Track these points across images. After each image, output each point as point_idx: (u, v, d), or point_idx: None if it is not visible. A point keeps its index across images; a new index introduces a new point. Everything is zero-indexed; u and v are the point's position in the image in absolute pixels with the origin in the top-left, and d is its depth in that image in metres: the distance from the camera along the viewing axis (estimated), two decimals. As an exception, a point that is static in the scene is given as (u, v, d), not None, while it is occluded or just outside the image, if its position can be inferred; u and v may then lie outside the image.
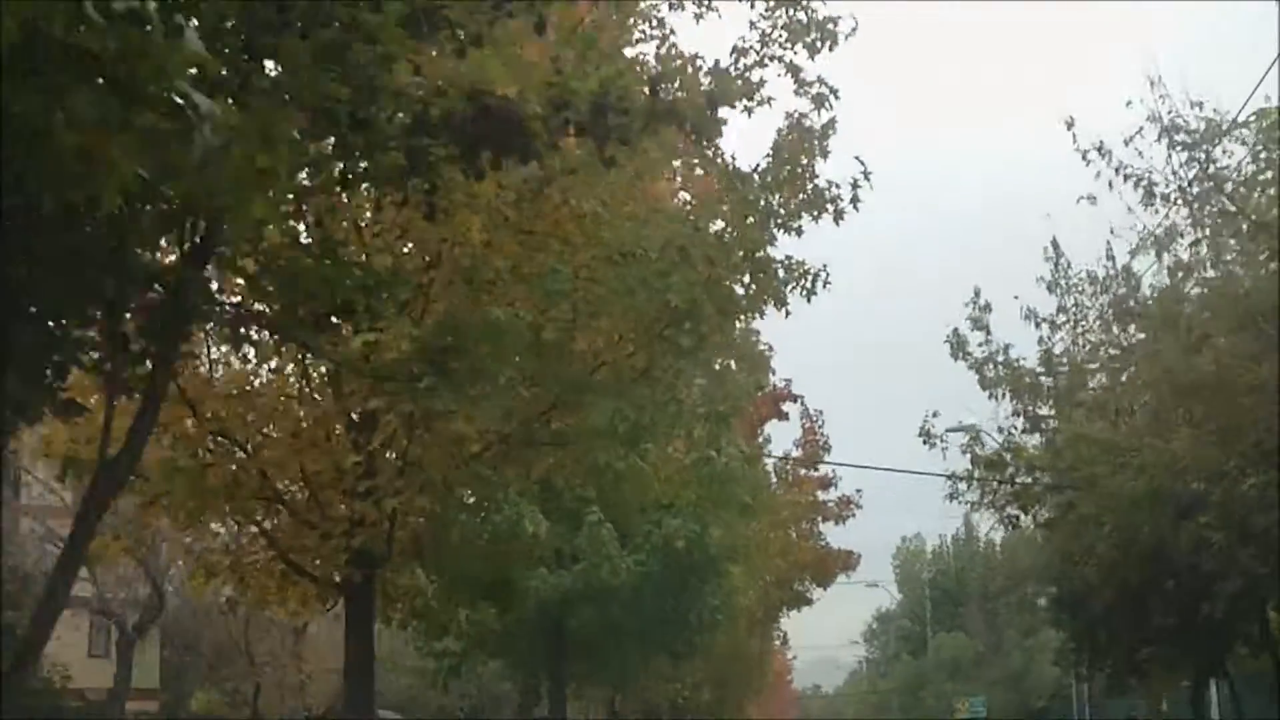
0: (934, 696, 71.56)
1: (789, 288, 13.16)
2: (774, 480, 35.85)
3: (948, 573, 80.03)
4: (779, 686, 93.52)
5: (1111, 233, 21.14)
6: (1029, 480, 26.48)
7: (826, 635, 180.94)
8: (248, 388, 13.14)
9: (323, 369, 12.93)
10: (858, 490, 37.76)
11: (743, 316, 13.49)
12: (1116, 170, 19.40)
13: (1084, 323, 25.75)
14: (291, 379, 13.50)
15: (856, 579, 42.49)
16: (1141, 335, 24.24)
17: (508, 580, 21.73)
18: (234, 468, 12.89)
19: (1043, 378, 24.98)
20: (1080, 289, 25.38)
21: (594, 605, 22.23)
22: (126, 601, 38.28)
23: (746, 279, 13.10)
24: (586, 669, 23.98)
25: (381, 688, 54.58)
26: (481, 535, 17.00)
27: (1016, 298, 25.31)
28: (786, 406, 36.56)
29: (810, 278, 13.21)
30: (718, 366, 15.08)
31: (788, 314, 13.23)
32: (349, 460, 12.56)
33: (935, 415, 25.82)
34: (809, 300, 13.23)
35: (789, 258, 13.19)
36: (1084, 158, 19.61)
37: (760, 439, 36.28)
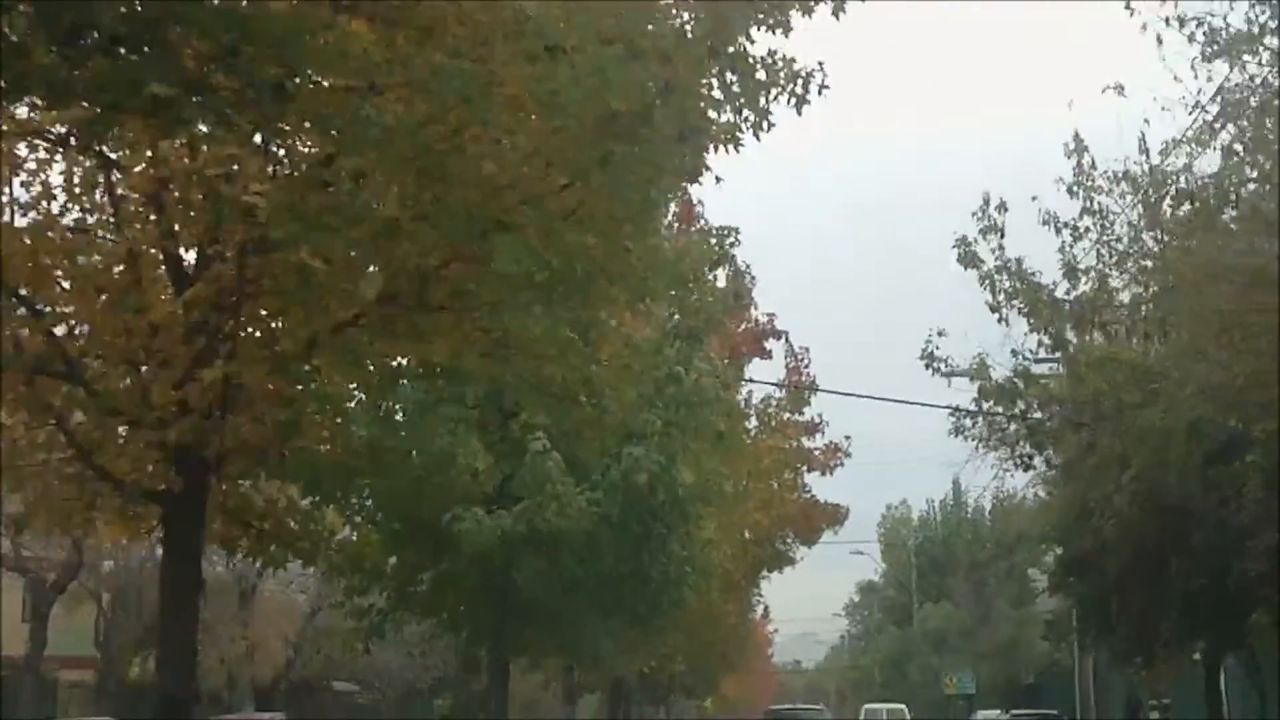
0: (919, 670, 68.66)
1: (773, 94, 9.60)
2: (754, 424, 32.37)
3: (935, 540, 76.99)
4: (759, 661, 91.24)
5: (1160, 106, 17.47)
6: (1044, 417, 23.03)
7: (807, 608, 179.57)
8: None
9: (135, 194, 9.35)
10: (846, 437, 34.30)
11: (714, 148, 9.86)
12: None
13: (1110, 231, 22.32)
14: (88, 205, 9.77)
15: (842, 539, 39.08)
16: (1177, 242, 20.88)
17: (439, 523, 18.26)
18: (24, 332, 9.34)
19: (1063, 295, 21.55)
20: (1107, 190, 21.96)
21: (540, 555, 18.78)
22: (45, 558, 35.25)
23: (715, 85, 9.58)
24: (536, 634, 20.44)
25: (336, 655, 51.66)
26: (356, 437, 13.34)
27: (1035, 199, 21.84)
28: (770, 344, 33.12)
29: (801, 81, 9.65)
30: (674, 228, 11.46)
31: (769, 126, 9.62)
32: (169, 315, 8.99)
33: (941, 335, 22.33)
34: (799, 112, 9.67)
35: (772, 53, 9.63)
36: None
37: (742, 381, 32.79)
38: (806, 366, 33.80)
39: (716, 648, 37.78)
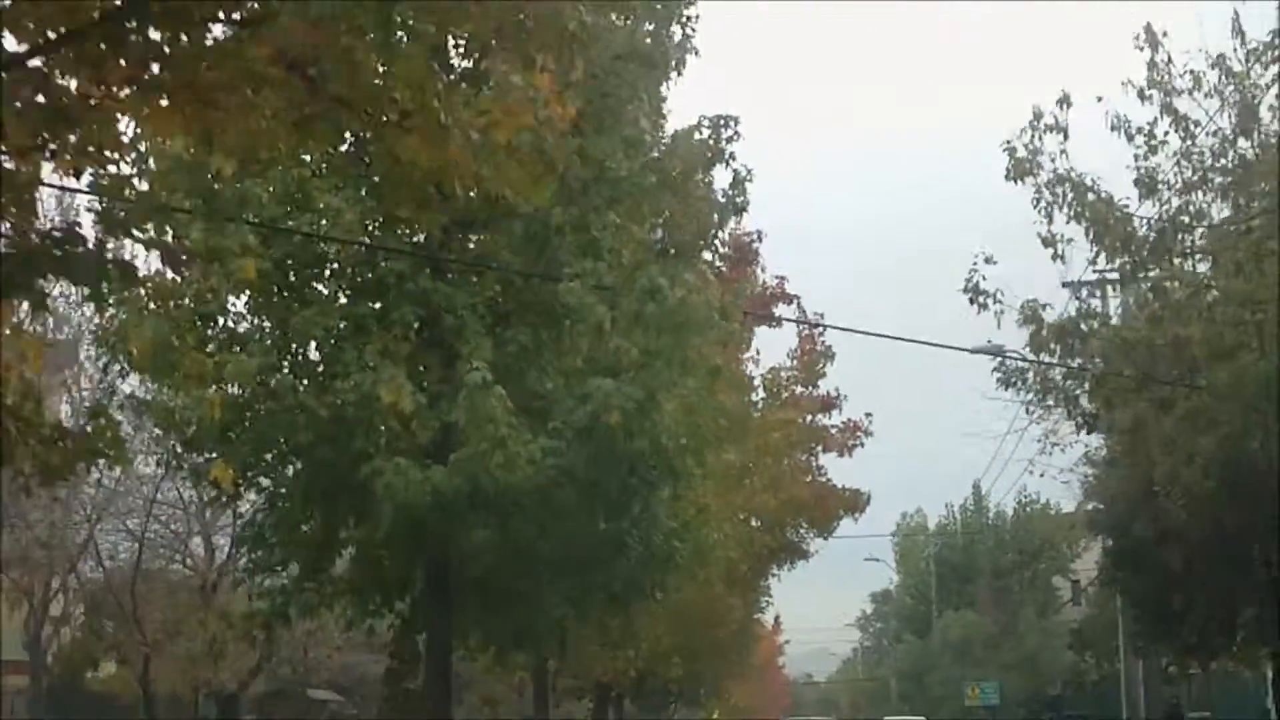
0: (940, 682, 64.86)
1: None
2: (761, 396, 28.43)
3: (954, 545, 73.06)
4: (769, 671, 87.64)
5: None
6: (1111, 367, 18.95)
7: (820, 620, 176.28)
8: None
9: None
10: (867, 414, 30.24)
11: None
12: None
13: (1193, 140, 18.39)
14: None
15: (859, 533, 34.99)
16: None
17: (358, 477, 14.34)
18: None
19: (1137, 213, 17.58)
20: (1189, 90, 18.03)
21: (486, 519, 14.80)
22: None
23: None
24: (484, 619, 16.43)
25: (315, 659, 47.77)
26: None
27: (1100, 99, 17.86)
28: (780, 310, 29.17)
29: None
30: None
31: None
32: None
33: (989, 261, 18.29)
34: None
35: None
36: None
37: (745, 349, 28.82)
38: (821, 334, 29.85)
39: (719, 649, 33.51)
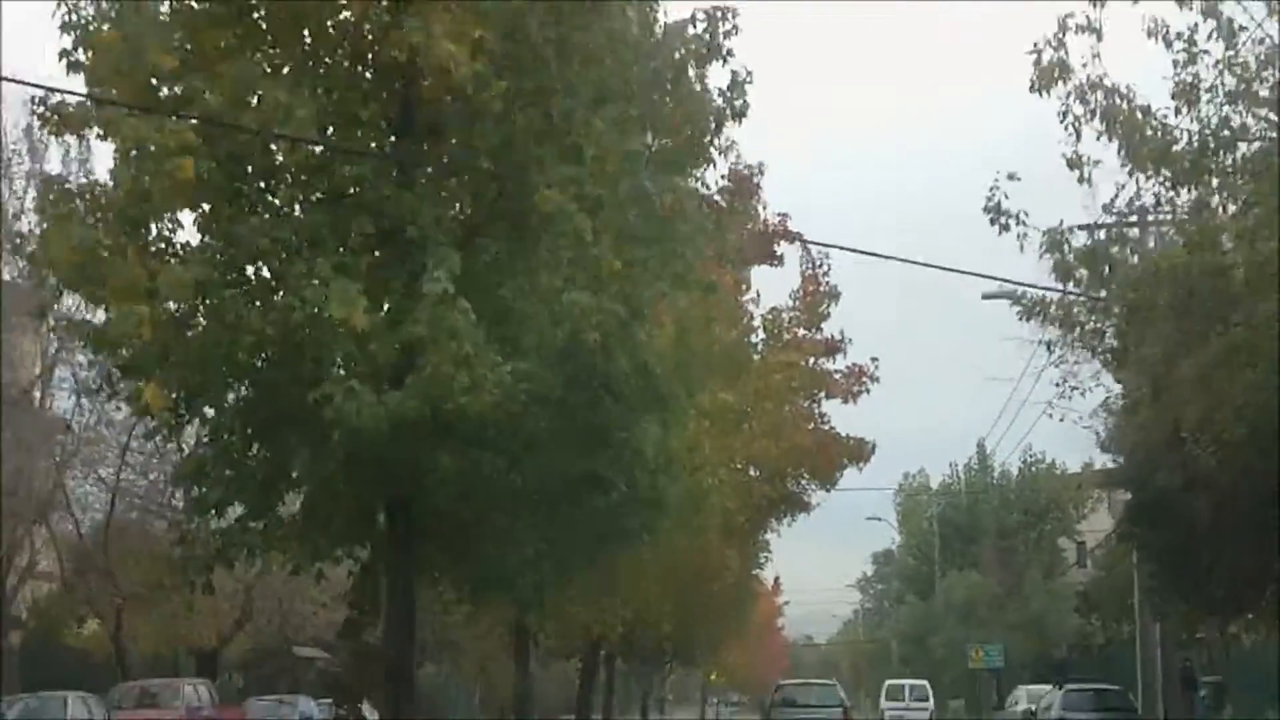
0: (943, 644, 63.62)
1: None
2: (761, 338, 26.84)
3: (958, 505, 71.53)
4: (768, 632, 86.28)
5: None
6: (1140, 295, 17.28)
7: (819, 581, 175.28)
8: None
9: None
10: (873, 359, 28.60)
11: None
12: None
13: (1236, 51, 16.67)
14: None
15: (862, 485, 33.39)
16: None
17: (308, 404, 12.76)
18: None
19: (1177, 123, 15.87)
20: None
21: (451, 450, 13.23)
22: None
23: None
24: (458, 565, 14.87)
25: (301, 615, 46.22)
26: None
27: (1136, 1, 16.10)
28: (781, 248, 27.47)
29: None
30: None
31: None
32: None
33: (1012, 178, 16.58)
34: None
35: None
36: None
37: (745, 290, 27.22)
38: (825, 275, 28.18)
39: (714, 606, 31.88)
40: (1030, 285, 17.03)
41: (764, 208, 27.59)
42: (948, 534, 70.46)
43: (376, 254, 13.87)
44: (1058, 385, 22.63)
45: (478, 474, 13.54)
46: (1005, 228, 16.40)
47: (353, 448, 12.75)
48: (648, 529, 15.82)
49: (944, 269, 16.67)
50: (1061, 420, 21.24)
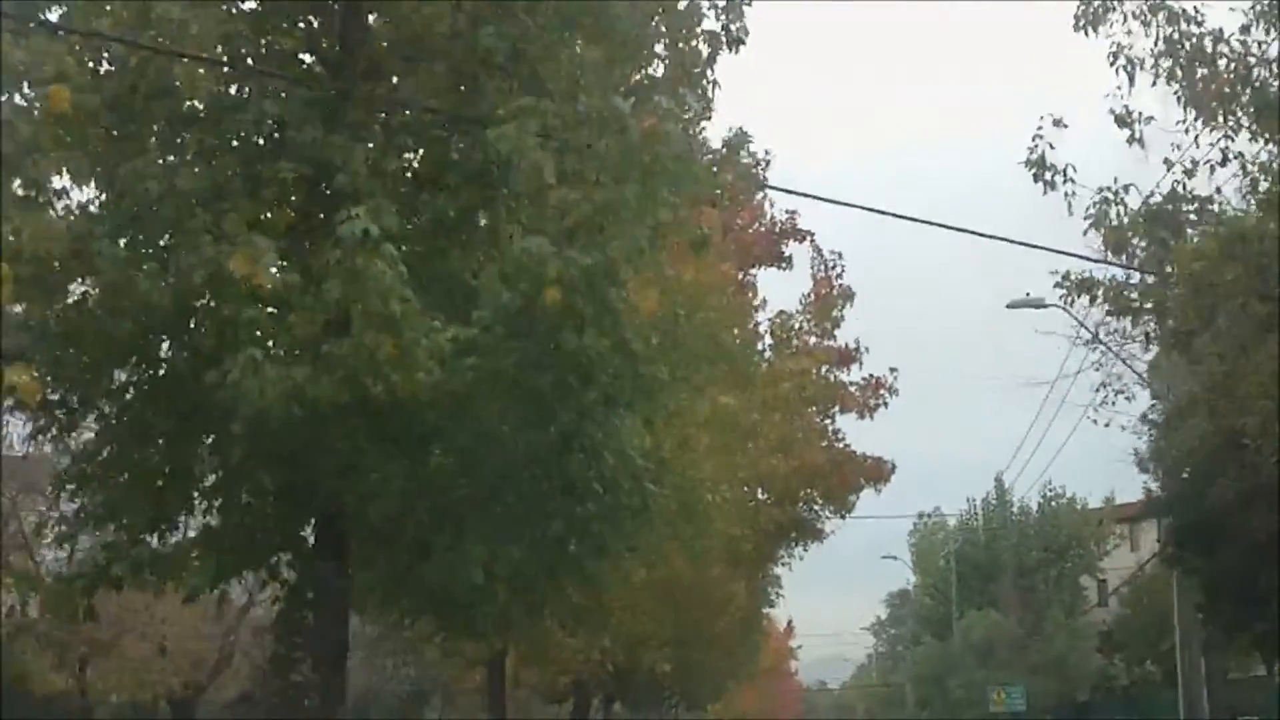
0: (963, 686, 60.89)
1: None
2: (769, 343, 24.34)
3: (976, 542, 68.93)
4: (780, 675, 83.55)
5: None
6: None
7: (833, 624, 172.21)
8: None
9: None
10: (891, 370, 26.04)
11: None
12: None
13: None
14: None
15: (879, 514, 30.65)
16: None
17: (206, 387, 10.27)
18: None
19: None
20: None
21: (384, 445, 10.73)
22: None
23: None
24: (401, 588, 12.30)
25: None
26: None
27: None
28: (790, 248, 25.06)
29: None
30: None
31: None
32: None
33: (1059, 124, 14.10)
34: None
35: None
36: None
37: (751, 293, 24.71)
38: (839, 277, 25.70)
39: (719, 642, 28.95)
40: (1090, 266, 14.57)
41: (771, 205, 25.29)
42: (965, 572, 67.93)
43: (301, 208, 11.45)
44: (1100, 389, 20.14)
45: (420, 476, 11.05)
46: (1050, 185, 13.92)
47: (262, 440, 10.24)
48: (631, 546, 13.23)
49: (959, 230, 14.11)
50: (1106, 425, 18.73)
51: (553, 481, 11.59)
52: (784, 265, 25.12)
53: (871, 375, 25.92)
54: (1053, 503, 62.96)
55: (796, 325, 25.22)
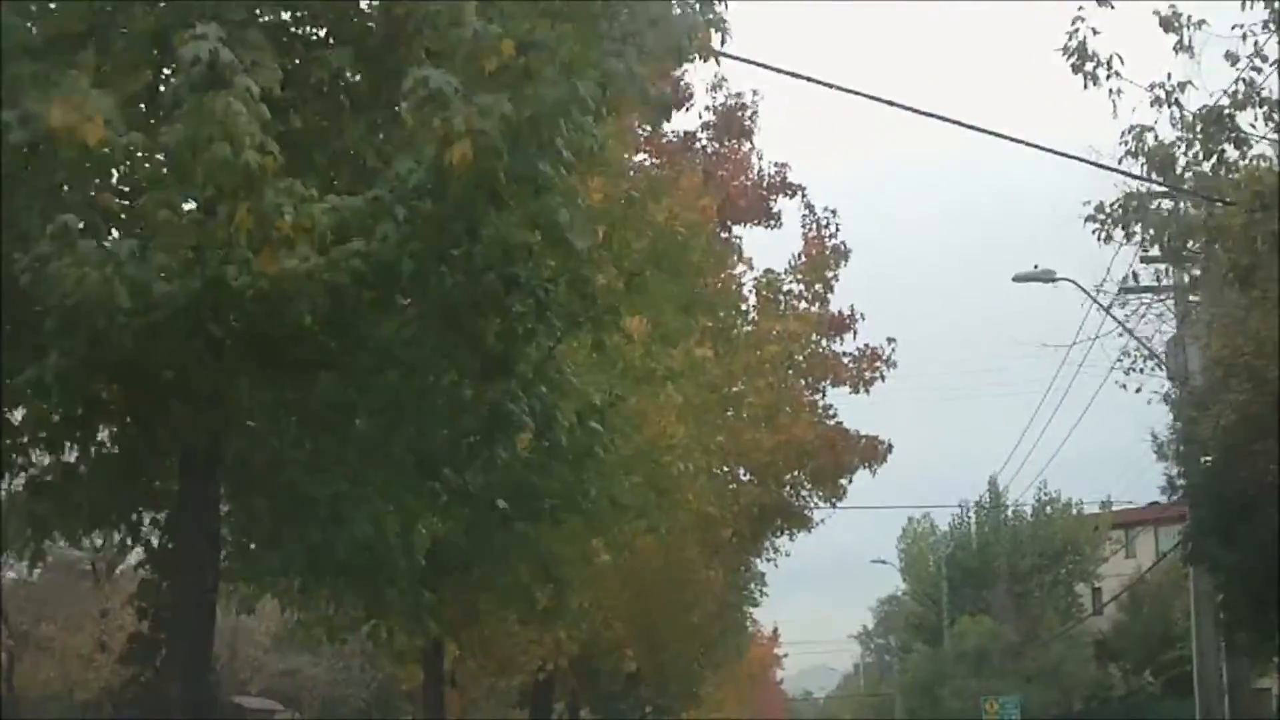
0: (955, 695, 58.78)
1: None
2: (753, 303, 21.93)
3: (968, 547, 66.81)
4: (765, 684, 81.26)
5: None
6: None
7: (821, 633, 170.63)
8: None
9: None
10: (889, 340, 23.59)
11: None
12: None
13: None
14: None
15: (872, 504, 28.22)
16: None
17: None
18: None
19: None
20: None
21: (247, 360, 8.28)
22: None
23: None
24: (276, 551, 9.75)
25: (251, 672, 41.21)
26: None
27: None
28: (779, 204, 22.70)
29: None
30: None
31: None
32: None
33: (1103, 3, 11.73)
34: None
35: None
36: None
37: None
38: (833, 236, 23.26)
39: (695, 637, 26.06)
40: (1113, 170, 12.17)
41: (759, 157, 22.94)
42: (956, 577, 65.86)
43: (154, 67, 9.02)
44: (1122, 358, 17.83)
45: (297, 406, 8.62)
46: (1092, 79, 11.54)
47: (76, 343, 7.81)
48: (571, 504, 10.76)
49: (958, 124, 11.70)
50: (1138, 391, 16.37)
51: (469, 415, 9.13)
52: (772, 223, 22.75)
53: (866, 345, 23.51)
54: (1048, 507, 60.85)
55: (785, 287, 22.79)
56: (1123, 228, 13.26)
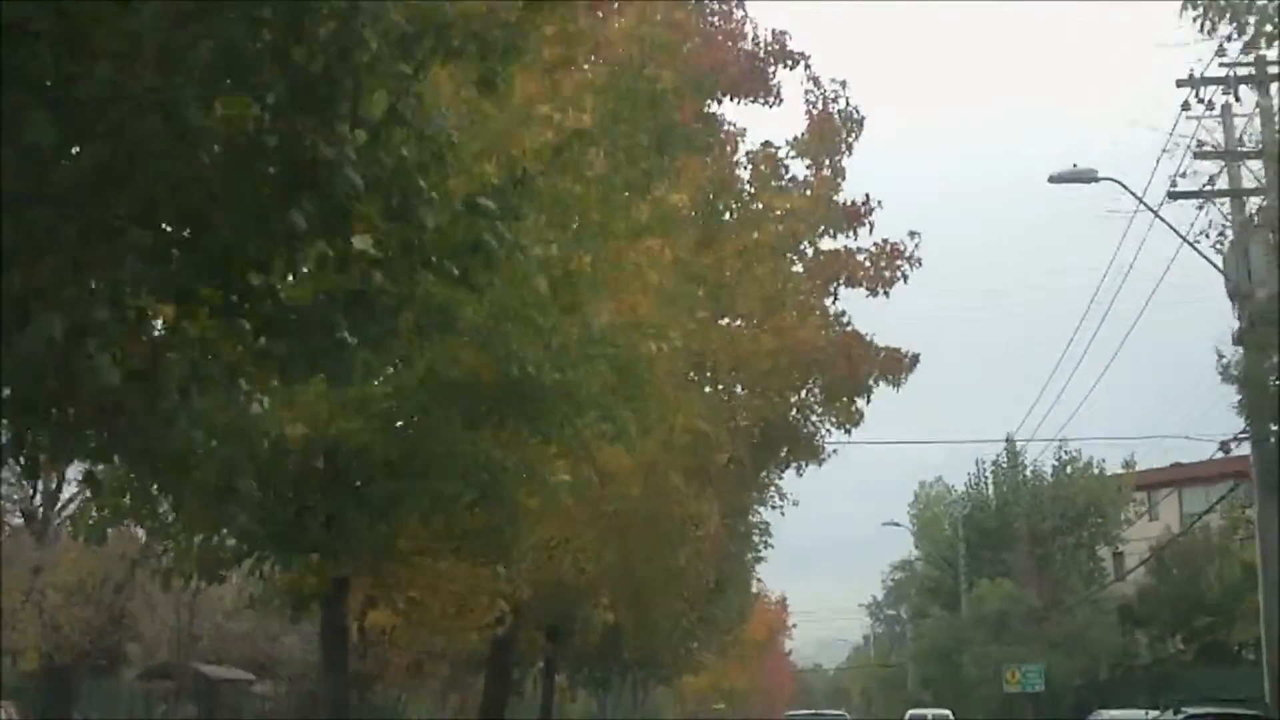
0: (974, 662, 55.81)
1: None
2: (748, 176, 18.24)
3: (986, 507, 63.81)
4: (772, 654, 78.29)
5: None
6: None
7: (831, 602, 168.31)
8: None
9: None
10: (912, 233, 19.75)
11: None
12: None
13: None
14: None
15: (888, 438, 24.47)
16: None
17: None
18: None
19: None
20: None
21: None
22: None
23: None
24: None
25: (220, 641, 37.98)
26: None
27: None
28: (778, 75, 19.00)
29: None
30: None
31: None
32: None
33: None
34: None
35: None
36: None
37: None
38: (844, 108, 19.39)
39: (682, 586, 21.41)
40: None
41: (753, 24, 19.22)
42: (973, 539, 62.94)
43: None
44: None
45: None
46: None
47: None
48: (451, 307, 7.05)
49: None
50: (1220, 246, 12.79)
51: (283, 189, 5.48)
52: (770, 100, 18.90)
53: (885, 240, 19.61)
54: (1068, 467, 57.70)
55: (787, 168, 18.89)
56: (1230, 18, 9.70)
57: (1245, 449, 24.32)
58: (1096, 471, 57.20)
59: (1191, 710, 21.73)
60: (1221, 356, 23.18)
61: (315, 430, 10.81)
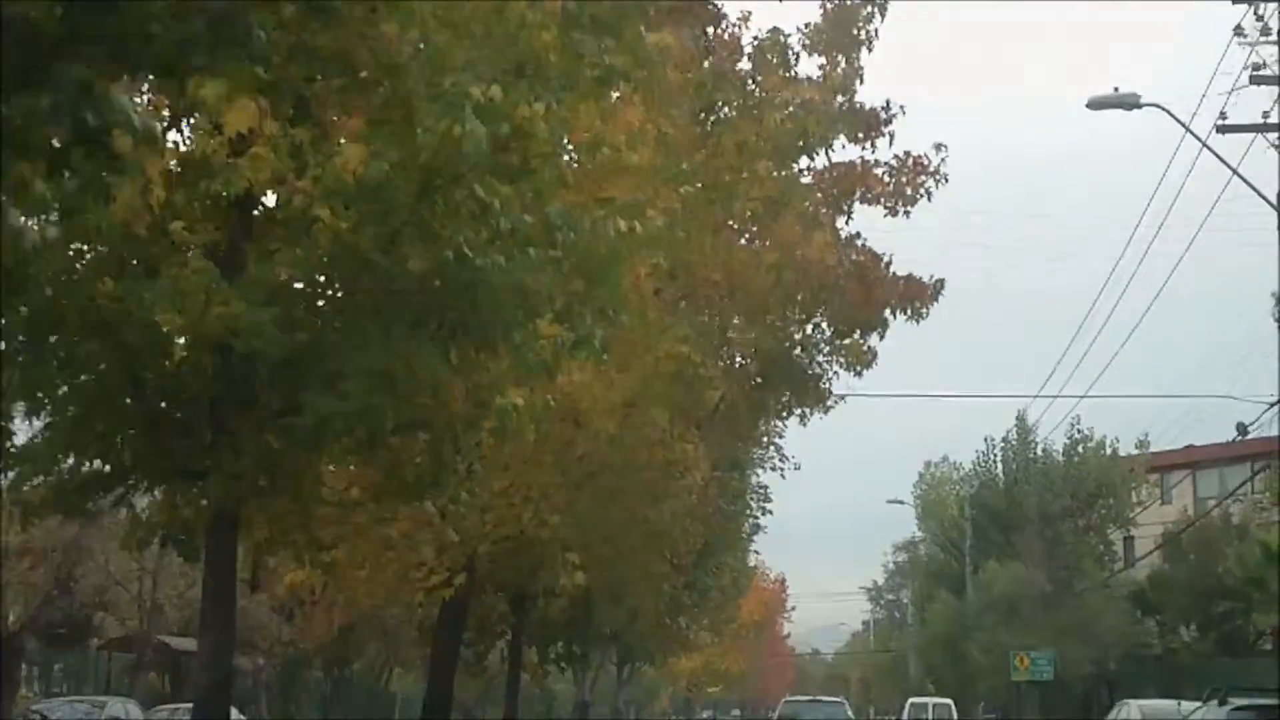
0: (981, 648, 54.18)
1: None
2: (748, 68, 15.59)
3: (994, 487, 62.02)
4: (770, 636, 76.34)
5: None
6: None
7: (830, 587, 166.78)
8: None
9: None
10: (938, 146, 17.01)
11: None
12: None
13: None
14: None
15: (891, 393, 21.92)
16: None
17: None
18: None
19: None
20: None
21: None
22: None
23: None
24: None
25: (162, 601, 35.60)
26: None
27: None
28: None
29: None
30: None
31: None
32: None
33: None
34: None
35: None
36: None
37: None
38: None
39: (661, 543, 18.11)
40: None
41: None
42: (981, 520, 61.16)
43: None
44: None
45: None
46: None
47: None
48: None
49: None
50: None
51: None
52: (782, -8, 16.17)
53: (907, 153, 16.79)
54: (1079, 446, 55.82)
55: (798, 50, 16.09)
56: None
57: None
58: (1109, 452, 55.03)
59: (1241, 701, 19.25)
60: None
61: (191, 319, 8.29)
